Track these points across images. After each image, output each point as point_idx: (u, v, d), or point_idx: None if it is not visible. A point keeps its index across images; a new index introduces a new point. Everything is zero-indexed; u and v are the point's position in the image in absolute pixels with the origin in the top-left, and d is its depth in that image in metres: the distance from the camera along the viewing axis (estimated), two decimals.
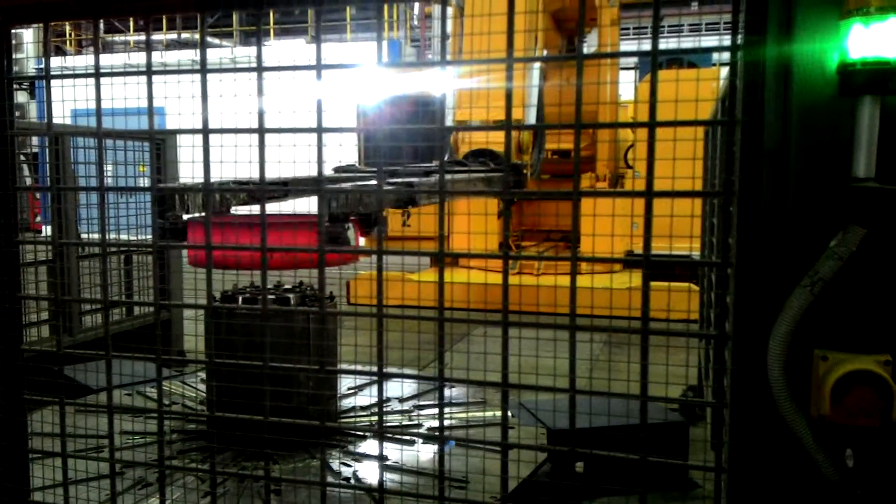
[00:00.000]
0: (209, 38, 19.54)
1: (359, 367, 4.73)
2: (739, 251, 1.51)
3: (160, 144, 5.82)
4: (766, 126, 1.43)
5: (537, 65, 7.73)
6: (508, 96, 1.66)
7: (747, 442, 1.52)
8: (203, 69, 1.86)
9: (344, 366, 4.54)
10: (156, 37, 17.03)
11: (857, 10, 1.26)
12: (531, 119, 7.79)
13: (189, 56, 16.77)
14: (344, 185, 2.57)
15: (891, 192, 1.30)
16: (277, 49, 15.86)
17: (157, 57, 15.12)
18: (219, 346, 4.13)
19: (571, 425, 1.71)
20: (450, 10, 9.85)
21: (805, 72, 1.38)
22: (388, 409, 5.10)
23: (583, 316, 1.79)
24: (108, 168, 5.52)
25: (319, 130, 1.84)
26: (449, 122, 9.97)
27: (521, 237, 9.98)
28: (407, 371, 5.30)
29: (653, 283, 1.64)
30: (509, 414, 4.93)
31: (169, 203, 2.14)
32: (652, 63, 1.60)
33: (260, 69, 1.83)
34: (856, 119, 1.31)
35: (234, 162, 2.05)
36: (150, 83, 1.86)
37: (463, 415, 4.83)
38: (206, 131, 1.86)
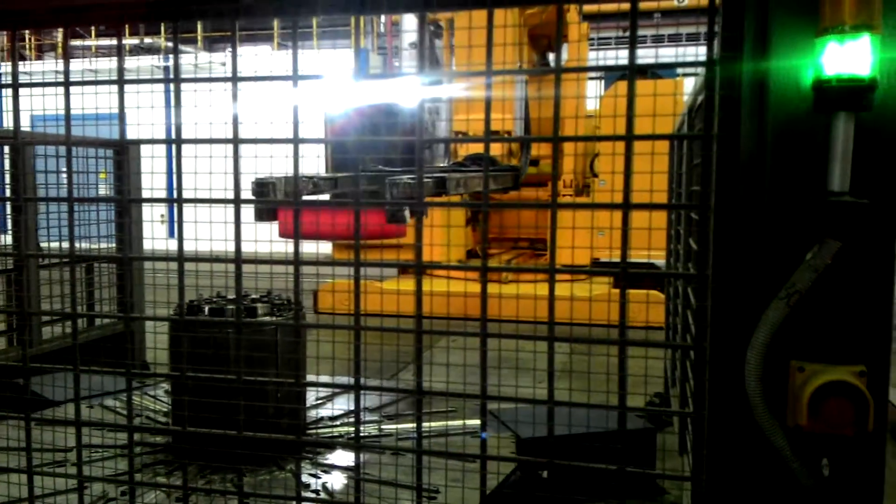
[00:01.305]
0: (170, 44, 19.30)
1: (337, 380, 4.70)
2: (716, 263, 1.53)
3: (123, 153, 5.72)
4: (742, 140, 1.46)
5: (523, 78, 8.08)
6: (487, 106, 1.67)
7: (724, 451, 1.54)
8: (177, 78, 1.83)
9: (314, 377, 4.50)
10: (115, 42, 16.74)
11: (833, 27, 1.28)
12: (518, 129, 8.13)
13: (149, 63, 16.54)
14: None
15: (865, 206, 1.32)
16: (242, 56, 15.74)
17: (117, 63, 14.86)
18: (184, 357, 4.07)
19: (550, 435, 1.71)
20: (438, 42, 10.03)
21: (781, 87, 1.40)
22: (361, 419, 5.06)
23: (542, 323, 1.79)
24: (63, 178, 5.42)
25: (296, 141, 1.82)
26: (442, 131, 10.05)
27: (488, 244, 10.04)
28: (385, 384, 5.28)
29: (616, 291, 1.66)
30: (478, 422, 4.94)
31: (265, 190, 2.93)
32: (629, 76, 1.61)
33: (235, 79, 1.81)
34: (831, 134, 1.33)
35: (208, 173, 2.02)
36: (121, 92, 1.83)
37: (433, 424, 4.81)
38: (178, 141, 1.83)
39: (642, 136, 1.62)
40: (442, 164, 9.19)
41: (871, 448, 1.38)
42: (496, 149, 9.33)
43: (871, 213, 1.34)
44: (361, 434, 4.71)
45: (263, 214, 2.79)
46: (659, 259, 7.14)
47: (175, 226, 1.98)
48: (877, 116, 1.35)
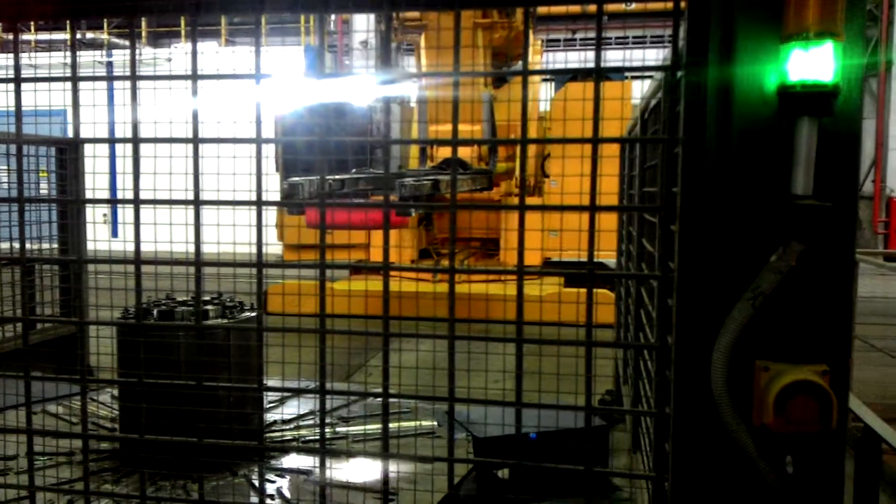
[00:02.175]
0: (115, 39, 18.81)
1: (302, 384, 4.64)
2: (681, 264, 1.55)
3: (66, 152, 5.54)
4: (707, 144, 1.48)
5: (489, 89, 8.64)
6: (455, 107, 1.66)
7: (689, 449, 1.56)
8: (133, 75, 1.78)
9: (275, 382, 4.43)
10: (57, 36, 16.27)
11: (797, 34, 1.31)
12: (486, 133, 8.66)
13: (91, 58, 16.08)
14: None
15: (828, 209, 1.36)
16: (187, 53, 15.42)
17: (58, 59, 14.44)
18: (134, 363, 3.97)
19: (519, 434, 1.71)
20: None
21: (745, 92, 1.43)
22: (313, 422, 5.01)
23: (506, 322, 1.79)
24: (3, 176, 5.24)
25: (259, 141, 1.78)
26: (396, 132, 10.28)
27: (440, 245, 10.11)
28: (352, 387, 5.23)
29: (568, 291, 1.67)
30: (434, 423, 4.94)
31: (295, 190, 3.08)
32: (595, 78, 1.62)
33: (195, 77, 1.77)
34: (795, 139, 1.36)
35: (168, 173, 1.97)
36: (75, 89, 1.76)
37: (392, 425, 4.79)
38: (136, 140, 1.78)
39: (609, 139, 1.63)
40: (419, 168, 9.46)
41: (833, 445, 1.42)
42: (467, 153, 9.68)
43: (833, 216, 1.37)
44: (318, 437, 4.66)
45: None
46: (607, 259, 7.28)
47: (128, 228, 1.92)
48: (836, 121, 1.38)
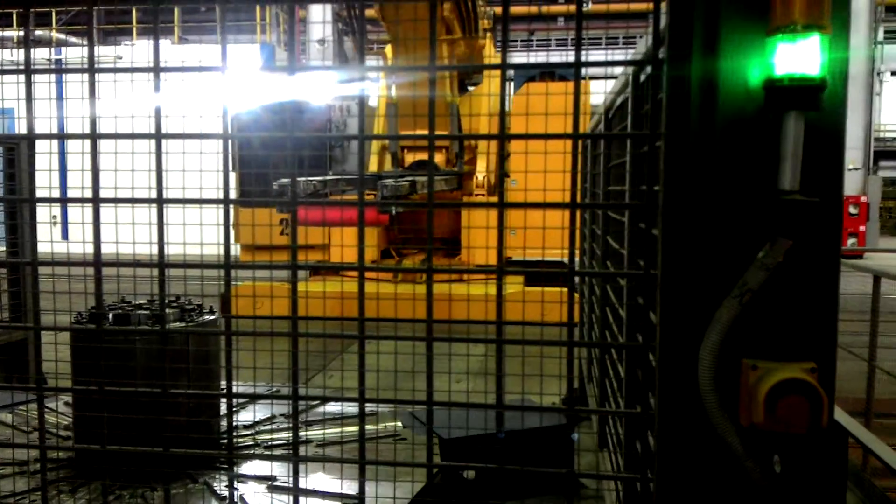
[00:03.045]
0: (62, 36, 18.27)
1: (276, 390, 4.53)
2: (665, 263, 1.52)
3: (14, 150, 5.34)
4: (691, 140, 1.45)
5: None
6: (431, 105, 1.61)
7: (674, 449, 1.54)
8: (91, 69, 1.69)
9: (243, 387, 4.33)
10: (7, 33, 15.72)
11: (784, 27, 1.29)
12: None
13: (37, 56, 15.60)
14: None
15: (816, 205, 1.34)
16: (141, 49, 15.06)
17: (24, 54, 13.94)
18: (89, 369, 3.82)
19: (499, 434, 1.67)
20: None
21: (730, 87, 1.41)
22: (276, 426, 4.91)
23: (467, 322, 1.75)
24: None
25: (225, 137, 1.71)
26: (354, 129, 10.40)
27: (402, 245, 10.06)
28: (328, 392, 5.13)
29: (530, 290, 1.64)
30: (399, 424, 4.88)
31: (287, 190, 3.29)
32: (575, 75, 1.59)
33: (157, 70, 1.68)
34: (782, 133, 1.34)
35: (127, 170, 1.87)
36: (28, 83, 1.67)
37: (355, 428, 4.71)
38: (94, 136, 1.68)
39: (588, 135, 1.60)
40: (392, 170, 9.57)
41: (824, 444, 1.40)
42: (436, 158, 9.88)
43: (820, 212, 1.36)
44: (281, 442, 4.57)
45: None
46: (561, 257, 7.29)
47: (78, 229, 1.82)
48: (822, 116, 1.37)
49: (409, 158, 10.01)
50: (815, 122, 1.36)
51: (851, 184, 18.66)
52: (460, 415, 4.13)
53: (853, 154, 18.62)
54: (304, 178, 7.00)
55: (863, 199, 19.02)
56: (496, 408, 1.61)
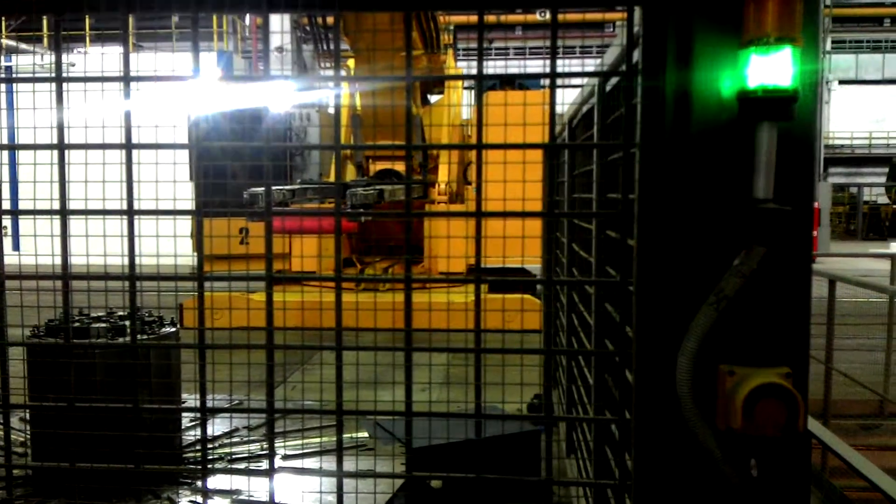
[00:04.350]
0: (12, 43, 17.83)
1: (253, 405, 4.45)
2: (640, 271, 1.54)
3: None
4: (666, 150, 1.47)
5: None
6: (408, 113, 1.61)
7: (652, 456, 1.55)
8: (58, 77, 1.65)
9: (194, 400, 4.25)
10: None
11: (757, 39, 1.32)
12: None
13: None
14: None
15: (789, 213, 1.37)
16: (94, 56, 14.79)
17: None
18: (46, 384, 3.72)
19: (480, 437, 1.66)
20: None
21: (704, 98, 1.43)
22: (239, 438, 4.83)
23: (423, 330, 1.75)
24: None
25: (191, 147, 1.68)
26: (314, 137, 10.35)
27: (363, 253, 10.04)
28: (307, 405, 5.07)
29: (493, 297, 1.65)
30: (366, 435, 4.84)
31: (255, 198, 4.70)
32: (551, 85, 1.60)
33: (127, 79, 1.65)
34: (755, 143, 1.37)
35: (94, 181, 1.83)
36: None
37: (319, 439, 4.67)
38: (63, 146, 1.64)
39: (563, 145, 1.62)
40: (358, 178, 9.59)
41: (799, 447, 1.43)
42: (401, 167, 10.01)
43: (793, 220, 1.39)
44: (243, 455, 4.50)
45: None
46: (531, 265, 7.35)
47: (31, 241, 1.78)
48: (794, 126, 1.40)
49: (374, 168, 10.06)
50: (787, 131, 1.39)
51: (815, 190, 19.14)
52: (421, 425, 4.12)
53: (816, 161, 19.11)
54: (275, 187, 7.09)
55: (814, 205, 19.50)
56: (475, 417, 1.60)
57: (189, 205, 3.99)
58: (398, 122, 9.31)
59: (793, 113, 1.35)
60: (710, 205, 1.45)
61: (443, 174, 9.96)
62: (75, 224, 1.80)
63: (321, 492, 3.38)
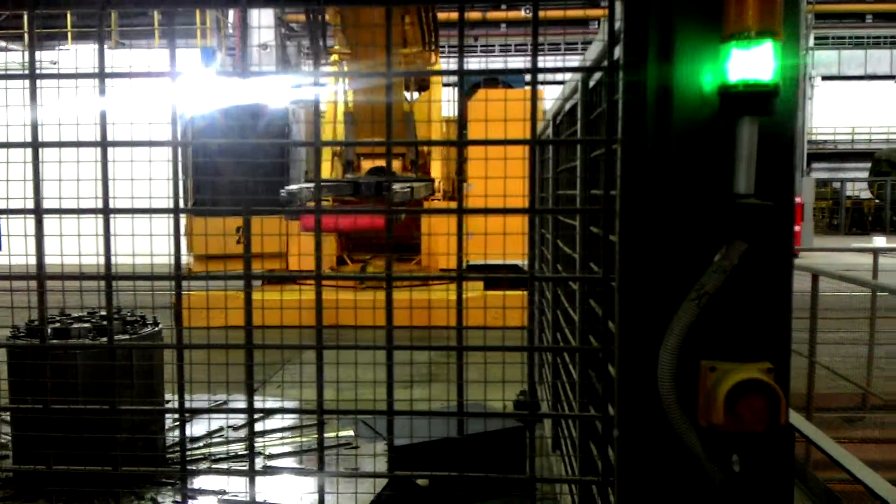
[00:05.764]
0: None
1: (220, 402, 4.41)
2: (622, 267, 1.54)
3: None
4: (647, 145, 1.47)
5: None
6: (388, 111, 1.59)
7: (635, 453, 1.55)
8: (32, 74, 1.62)
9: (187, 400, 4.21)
10: None
11: (737, 34, 1.31)
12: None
13: None
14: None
15: (770, 208, 1.37)
16: (76, 54, 14.63)
17: None
18: (28, 385, 3.67)
19: (462, 435, 1.65)
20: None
21: (685, 93, 1.42)
22: (223, 438, 4.80)
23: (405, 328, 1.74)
24: None
25: (174, 144, 1.66)
26: (301, 134, 10.32)
27: (353, 251, 10.01)
28: (285, 404, 5.03)
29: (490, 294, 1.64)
30: (350, 433, 4.82)
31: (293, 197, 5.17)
32: (532, 81, 1.59)
33: (102, 75, 1.63)
34: (736, 138, 1.37)
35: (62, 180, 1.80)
36: None
37: (305, 438, 4.65)
38: (37, 144, 1.62)
39: (546, 141, 1.61)
40: (349, 176, 9.59)
41: (782, 442, 1.43)
42: (394, 165, 10.02)
43: (774, 215, 1.38)
44: (229, 454, 4.47)
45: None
46: (522, 261, 7.37)
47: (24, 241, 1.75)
48: (775, 120, 1.40)
49: (366, 165, 9.99)
50: (767, 126, 1.39)
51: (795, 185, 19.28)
52: (406, 422, 4.10)
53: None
54: (301, 186, 7.32)
55: (797, 200, 19.65)
56: (457, 415, 1.59)
57: (169, 203, 3.94)
58: (393, 119, 9.30)
59: (773, 107, 1.34)
60: (691, 200, 1.44)
61: (436, 171, 9.95)
62: (50, 223, 1.77)
63: (314, 491, 3.36)
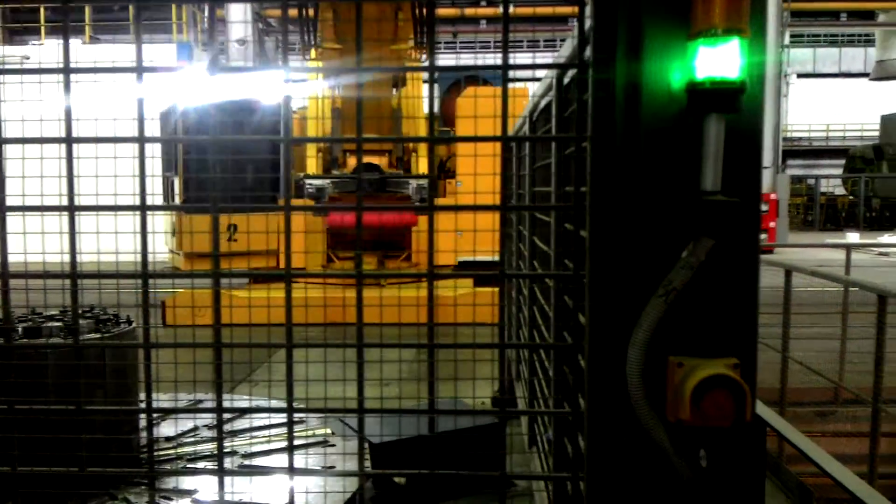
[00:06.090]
0: None
1: (200, 402, 4.37)
2: (593, 264, 1.54)
3: None
4: (616, 142, 1.47)
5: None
6: (359, 106, 1.58)
7: (604, 448, 1.55)
8: None
9: (165, 400, 4.18)
10: None
11: (705, 31, 1.32)
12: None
13: None
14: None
15: (737, 205, 1.38)
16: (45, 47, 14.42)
17: None
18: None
19: (434, 433, 1.65)
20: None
21: (653, 90, 1.43)
22: (198, 437, 4.77)
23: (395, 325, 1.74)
24: None
25: (141, 140, 1.64)
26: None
27: (335, 248, 9.97)
28: (257, 403, 4.98)
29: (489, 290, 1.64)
30: (328, 430, 4.81)
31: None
32: (503, 77, 1.59)
33: (67, 70, 1.60)
34: (703, 135, 1.37)
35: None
36: None
37: (272, 437, 4.62)
38: (0, 141, 1.59)
39: (516, 137, 1.60)
40: (338, 173, 9.57)
41: (748, 437, 1.44)
42: (380, 160, 10.04)
43: (740, 211, 1.39)
44: (205, 453, 4.44)
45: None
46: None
47: None
48: (742, 118, 1.41)
49: (353, 162, 9.95)
50: (734, 124, 1.40)
51: (762, 182, 19.44)
52: (392, 419, 4.10)
53: (763, 153, 19.39)
54: (321, 181, 7.61)
55: (773, 196, 19.85)
56: (428, 412, 1.59)
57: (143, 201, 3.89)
58: (380, 115, 9.28)
59: (740, 105, 1.35)
60: (659, 197, 1.45)
61: (422, 168, 9.94)
62: (14, 221, 1.75)
63: (291, 490, 3.34)
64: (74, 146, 1.59)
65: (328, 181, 8.25)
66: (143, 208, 1.66)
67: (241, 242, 7.98)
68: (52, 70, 1.57)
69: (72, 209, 1.64)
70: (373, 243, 9.90)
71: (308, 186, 7.26)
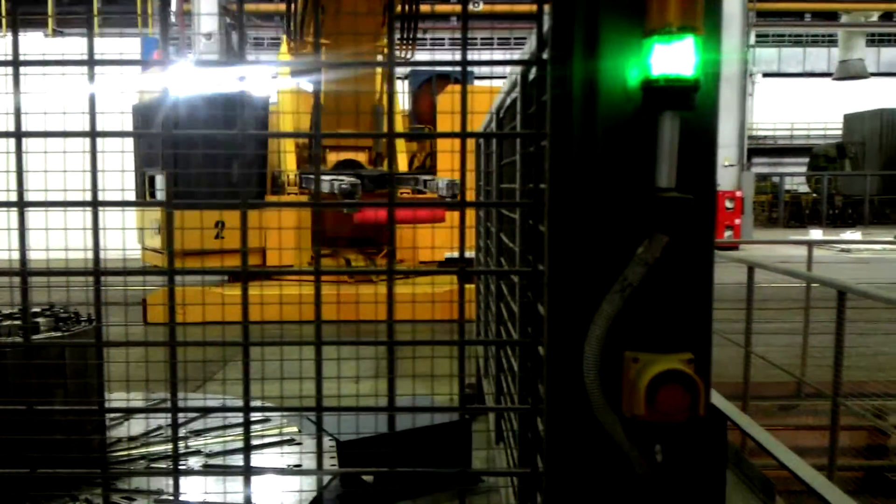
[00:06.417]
0: None
1: (154, 400, 4.31)
2: (551, 259, 1.54)
3: None
4: (574, 139, 1.47)
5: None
6: (317, 99, 1.56)
7: (563, 443, 1.56)
8: None
9: (120, 397, 4.11)
10: None
11: (659, 29, 1.33)
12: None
13: None
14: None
15: (691, 202, 1.39)
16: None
17: None
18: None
19: (393, 430, 1.64)
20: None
21: (610, 87, 1.43)
22: (162, 437, 4.70)
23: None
24: None
25: (93, 134, 1.61)
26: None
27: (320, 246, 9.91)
28: (208, 399, 4.92)
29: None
30: (295, 429, 4.77)
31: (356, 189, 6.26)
32: (462, 74, 1.59)
33: (16, 63, 1.56)
34: (658, 133, 1.38)
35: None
36: None
37: (226, 436, 4.58)
38: None
39: (475, 133, 1.60)
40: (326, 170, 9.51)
41: (703, 430, 1.45)
42: (362, 157, 10.01)
43: (694, 208, 1.40)
44: (166, 453, 4.38)
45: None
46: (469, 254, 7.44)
47: None
48: (696, 115, 1.42)
49: (332, 158, 9.85)
50: (689, 121, 1.41)
51: (727, 180, 19.70)
52: (362, 417, 4.09)
53: (728, 151, 19.66)
54: (349, 178, 7.71)
55: (738, 193, 20.13)
56: (387, 410, 1.58)
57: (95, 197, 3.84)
58: (360, 110, 9.20)
59: (694, 102, 1.36)
60: (616, 194, 1.46)
61: (402, 164, 9.91)
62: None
63: (248, 490, 3.31)
64: (24, 140, 1.56)
65: (342, 177, 8.21)
66: (95, 204, 1.62)
67: (227, 239, 7.89)
68: (0, 62, 1.53)
69: (21, 205, 1.60)
70: (353, 240, 9.85)
71: (342, 185, 7.22)
